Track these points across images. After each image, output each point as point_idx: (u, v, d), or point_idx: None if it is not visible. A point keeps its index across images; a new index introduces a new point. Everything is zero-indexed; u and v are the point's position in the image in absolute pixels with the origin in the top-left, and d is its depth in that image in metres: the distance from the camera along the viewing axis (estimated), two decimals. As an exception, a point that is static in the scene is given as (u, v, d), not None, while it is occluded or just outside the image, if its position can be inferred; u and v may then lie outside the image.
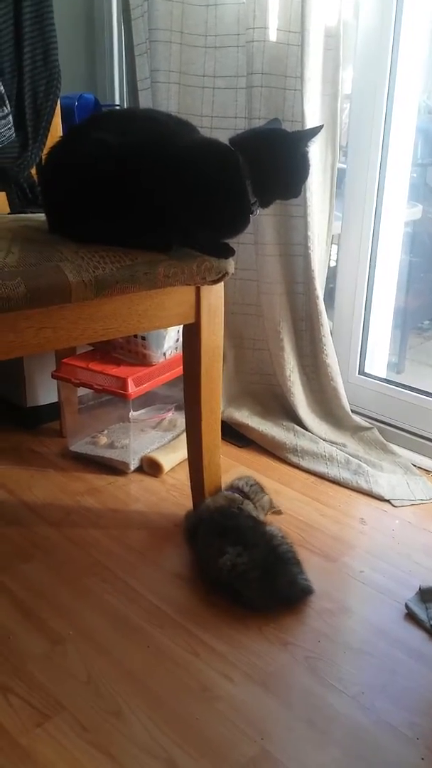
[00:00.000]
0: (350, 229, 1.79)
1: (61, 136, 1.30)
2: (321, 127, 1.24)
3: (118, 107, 2.14)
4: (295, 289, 1.79)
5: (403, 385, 1.80)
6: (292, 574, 1.21)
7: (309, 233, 1.66)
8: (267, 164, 1.18)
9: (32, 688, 1.04)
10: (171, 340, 1.66)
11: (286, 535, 1.28)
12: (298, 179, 1.23)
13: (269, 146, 1.19)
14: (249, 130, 1.30)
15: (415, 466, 1.67)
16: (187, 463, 1.49)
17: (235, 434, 1.80)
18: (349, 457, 1.67)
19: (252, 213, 1.22)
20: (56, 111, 1.61)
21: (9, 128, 1.49)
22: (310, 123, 1.58)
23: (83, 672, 1.07)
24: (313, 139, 1.20)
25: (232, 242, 1.28)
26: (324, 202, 1.71)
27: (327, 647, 1.13)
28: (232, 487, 1.43)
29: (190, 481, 1.47)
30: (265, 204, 1.23)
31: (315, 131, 1.20)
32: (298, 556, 1.25)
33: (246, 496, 1.40)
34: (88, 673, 1.07)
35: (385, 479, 1.61)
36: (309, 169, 1.22)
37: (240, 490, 1.41)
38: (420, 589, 1.26)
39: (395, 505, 1.54)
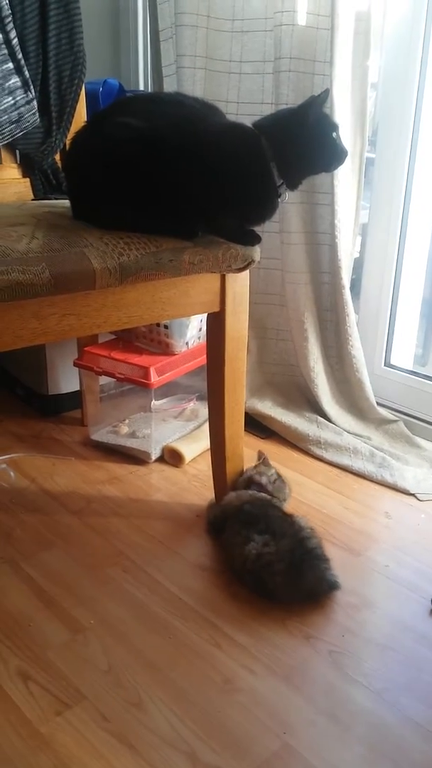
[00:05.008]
0: (378, 219, 1.76)
1: (86, 122, 1.29)
2: (327, 90, 1.21)
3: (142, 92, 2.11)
4: (321, 278, 1.76)
5: (430, 377, 1.77)
6: (320, 569, 1.19)
7: (336, 222, 1.63)
8: (288, 142, 1.16)
9: (52, 677, 1.03)
10: (193, 329, 1.64)
11: (313, 527, 1.26)
12: (321, 149, 1.19)
13: (287, 124, 1.17)
14: (272, 113, 1.27)
15: (440, 460, 1.65)
16: (208, 453, 1.48)
17: (257, 425, 1.78)
18: (374, 449, 1.65)
19: (279, 196, 1.19)
20: (81, 96, 1.59)
21: (33, 113, 1.48)
22: (339, 108, 1.55)
23: (104, 662, 1.06)
24: (324, 104, 1.18)
25: (258, 230, 1.26)
26: (351, 191, 1.68)
27: (351, 642, 1.12)
28: (253, 482, 1.39)
29: (213, 472, 1.46)
30: (292, 185, 1.21)
31: (324, 96, 1.17)
32: (326, 550, 1.23)
33: (270, 494, 1.37)
34: (108, 663, 1.06)
35: (411, 473, 1.58)
36: (330, 135, 1.18)
37: (264, 488, 1.38)
38: (446, 584, 1.24)
39: (421, 499, 1.52)
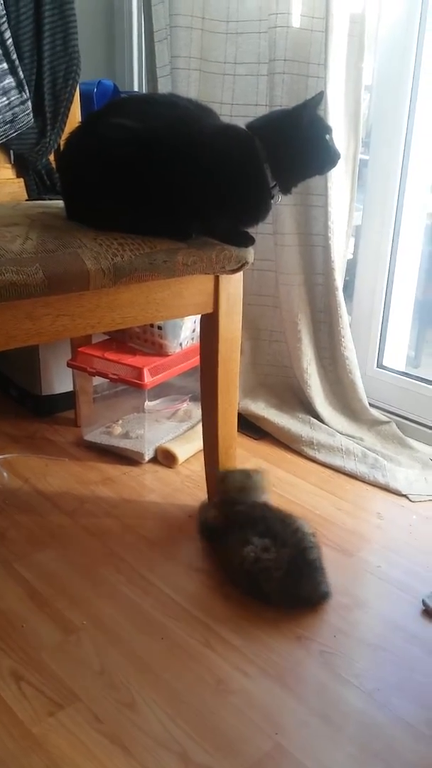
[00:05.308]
0: (371, 221, 1.76)
1: (80, 123, 1.29)
2: (322, 93, 1.23)
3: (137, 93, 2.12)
4: (314, 280, 1.76)
5: (422, 378, 1.78)
6: (317, 581, 1.19)
7: (330, 223, 1.64)
8: (281, 144, 1.16)
9: (45, 678, 1.03)
10: (187, 330, 1.64)
11: (314, 534, 1.24)
12: (314, 151, 1.19)
13: (281, 125, 1.18)
14: (265, 114, 1.28)
15: (432, 461, 1.65)
16: (201, 454, 1.48)
17: (250, 426, 1.78)
18: (366, 450, 1.65)
19: (272, 198, 1.20)
20: (75, 97, 1.59)
21: (28, 114, 1.48)
22: (334, 111, 1.56)
23: (97, 662, 1.06)
24: (318, 107, 1.19)
25: (251, 231, 1.26)
26: (345, 193, 1.69)
27: (343, 642, 1.12)
28: (226, 503, 1.32)
29: (206, 473, 1.46)
30: (286, 188, 1.21)
31: (318, 99, 1.18)
32: (323, 560, 1.22)
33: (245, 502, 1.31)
34: (101, 664, 1.06)
35: (403, 474, 1.59)
36: (323, 137, 1.18)
37: (235, 503, 1.31)
38: (438, 585, 1.24)
39: (413, 500, 1.52)
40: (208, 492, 1.46)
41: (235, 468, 1.41)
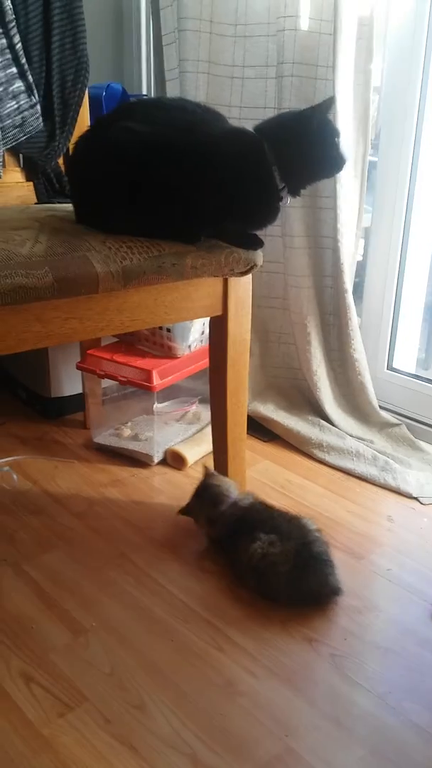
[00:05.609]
0: (381, 222, 1.76)
1: (89, 126, 1.30)
2: (333, 98, 1.24)
3: (145, 97, 2.12)
4: (324, 282, 1.76)
5: (433, 381, 1.77)
6: (324, 574, 1.19)
7: (339, 225, 1.64)
8: (290, 147, 1.17)
9: (55, 679, 1.03)
10: (196, 332, 1.65)
11: (320, 529, 1.25)
12: (323, 155, 1.19)
13: (290, 128, 1.18)
14: (273, 116, 1.28)
15: (443, 463, 1.65)
16: (211, 456, 1.48)
17: (260, 428, 1.78)
18: (377, 453, 1.65)
19: (281, 200, 1.20)
20: (84, 101, 1.60)
21: (37, 118, 1.49)
22: (342, 113, 1.55)
23: (106, 664, 1.06)
24: (329, 111, 1.20)
25: (260, 234, 1.26)
26: (354, 194, 1.68)
27: (353, 645, 1.11)
28: (217, 517, 1.31)
29: (215, 475, 1.46)
30: (294, 190, 1.21)
31: (328, 103, 1.19)
32: (331, 554, 1.22)
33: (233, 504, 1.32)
34: (111, 665, 1.06)
35: (414, 476, 1.58)
36: (332, 141, 1.19)
37: (223, 513, 1.31)
38: (448, 588, 1.23)
39: (423, 502, 1.52)
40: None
41: (187, 505, 1.37)
